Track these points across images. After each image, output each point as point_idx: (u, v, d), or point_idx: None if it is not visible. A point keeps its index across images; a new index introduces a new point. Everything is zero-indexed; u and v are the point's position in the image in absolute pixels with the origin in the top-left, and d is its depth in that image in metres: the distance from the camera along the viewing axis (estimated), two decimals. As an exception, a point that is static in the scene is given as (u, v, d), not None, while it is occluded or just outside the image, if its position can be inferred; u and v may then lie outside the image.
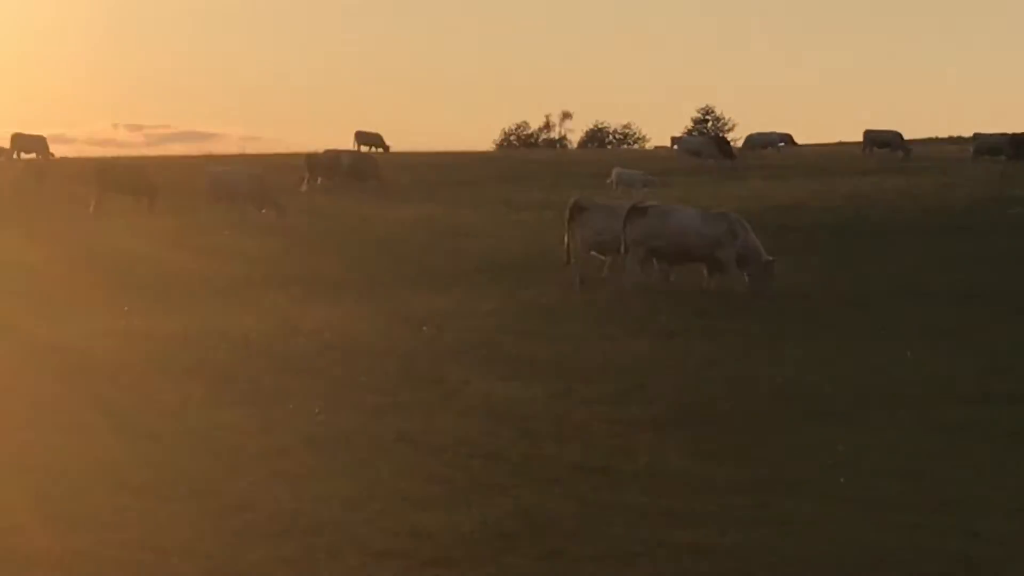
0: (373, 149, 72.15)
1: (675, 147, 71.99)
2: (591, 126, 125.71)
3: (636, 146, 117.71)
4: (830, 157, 67.81)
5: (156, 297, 22.79)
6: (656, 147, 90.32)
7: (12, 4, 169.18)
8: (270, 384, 15.63)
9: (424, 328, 19.69)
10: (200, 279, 25.14)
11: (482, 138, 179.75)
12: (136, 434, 13.15)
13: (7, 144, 71.98)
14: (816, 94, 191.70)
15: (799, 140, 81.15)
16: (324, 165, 51.64)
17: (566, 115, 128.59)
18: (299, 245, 31.25)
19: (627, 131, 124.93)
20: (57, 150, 71.82)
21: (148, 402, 14.62)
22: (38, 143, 71.25)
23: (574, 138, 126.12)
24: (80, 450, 12.43)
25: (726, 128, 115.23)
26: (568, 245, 24.72)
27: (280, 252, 29.77)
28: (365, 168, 52.10)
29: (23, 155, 69.92)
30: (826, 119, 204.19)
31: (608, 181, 48.15)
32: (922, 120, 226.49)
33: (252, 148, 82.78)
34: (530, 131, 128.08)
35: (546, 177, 54.05)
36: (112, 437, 13.01)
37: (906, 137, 67.28)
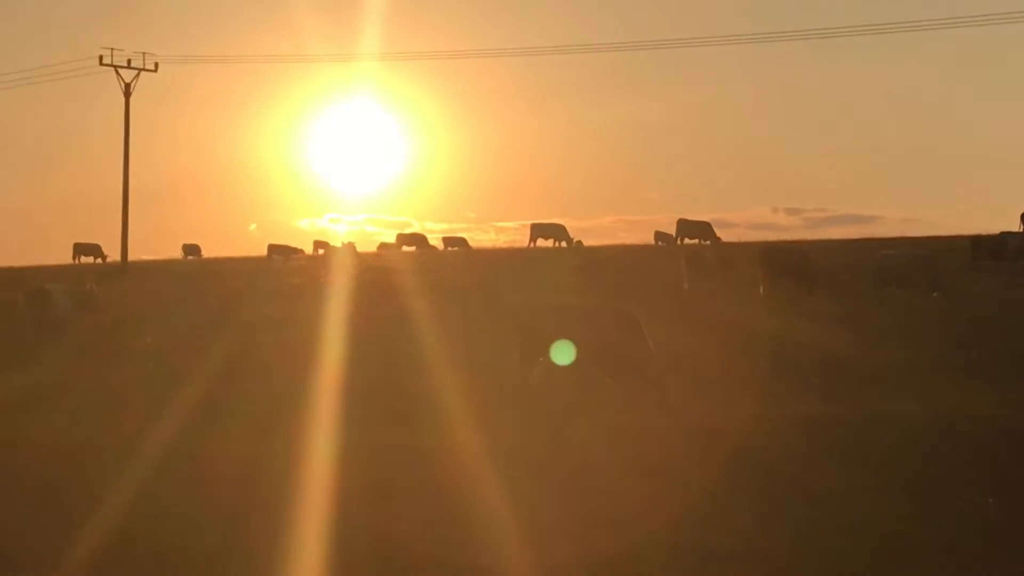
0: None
1: None
2: None
3: None
4: None
5: (819, 382, 22.53)
6: None
7: (663, 95, 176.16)
8: (936, 473, 15.00)
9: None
10: (861, 363, 24.69)
11: None
12: (795, 521, 12.93)
13: (672, 229, 74.71)
14: None
15: None
16: (990, 247, 49.99)
17: None
18: (965, 329, 30.17)
19: None
20: (719, 234, 73.65)
21: (806, 489, 14.37)
22: (703, 228, 73.28)
23: None
24: (735, 535, 12.37)
25: None
26: None
27: (945, 336, 28.86)
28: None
29: (687, 240, 72.20)
30: None
31: None
32: None
33: (913, 230, 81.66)
34: None
35: None
36: (767, 524, 12.85)
37: None
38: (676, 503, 13.78)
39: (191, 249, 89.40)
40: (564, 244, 77.81)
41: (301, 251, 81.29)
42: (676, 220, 74.13)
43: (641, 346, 20.83)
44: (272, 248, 79.06)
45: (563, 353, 15.40)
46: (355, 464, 15.80)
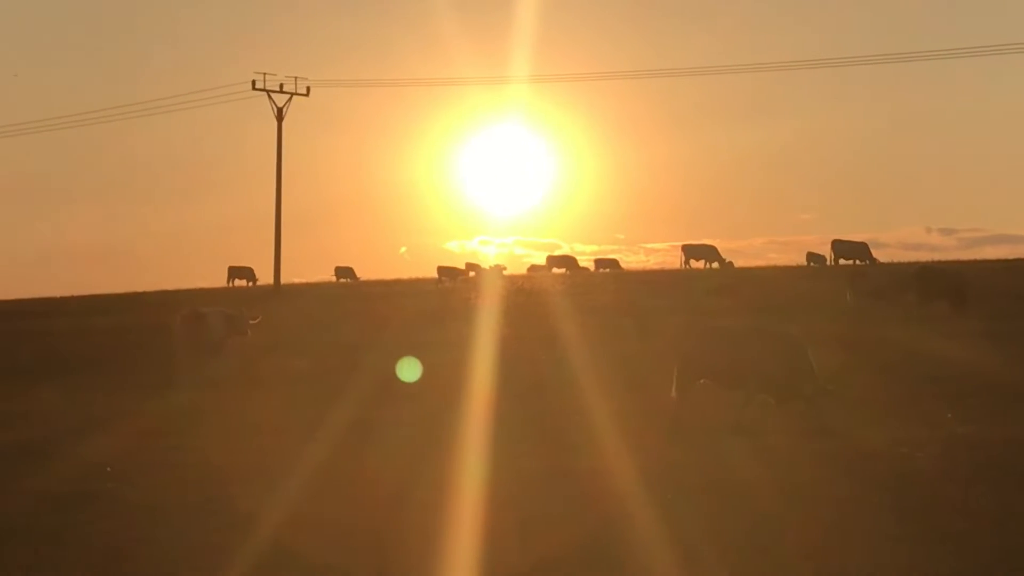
0: None
1: None
2: None
3: None
4: None
5: (977, 404, 22.06)
6: None
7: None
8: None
9: None
10: (1020, 384, 24.06)
11: None
12: (957, 544, 12.64)
13: (823, 250, 73.82)
14: None
15: None
16: None
17: None
18: None
19: None
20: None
21: (968, 510, 14.04)
22: (859, 249, 72.19)
23: None
24: (898, 557, 12.17)
25: None
26: None
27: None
28: None
29: (841, 261, 71.26)
30: None
31: None
32: None
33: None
34: None
35: None
36: (930, 547, 12.58)
37: None
38: (834, 526, 13.54)
39: (344, 272, 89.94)
40: (716, 265, 77.32)
41: (465, 272, 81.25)
42: (830, 241, 73.26)
43: (805, 369, 20.47)
44: (441, 270, 79.24)
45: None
46: (506, 487, 15.75)
